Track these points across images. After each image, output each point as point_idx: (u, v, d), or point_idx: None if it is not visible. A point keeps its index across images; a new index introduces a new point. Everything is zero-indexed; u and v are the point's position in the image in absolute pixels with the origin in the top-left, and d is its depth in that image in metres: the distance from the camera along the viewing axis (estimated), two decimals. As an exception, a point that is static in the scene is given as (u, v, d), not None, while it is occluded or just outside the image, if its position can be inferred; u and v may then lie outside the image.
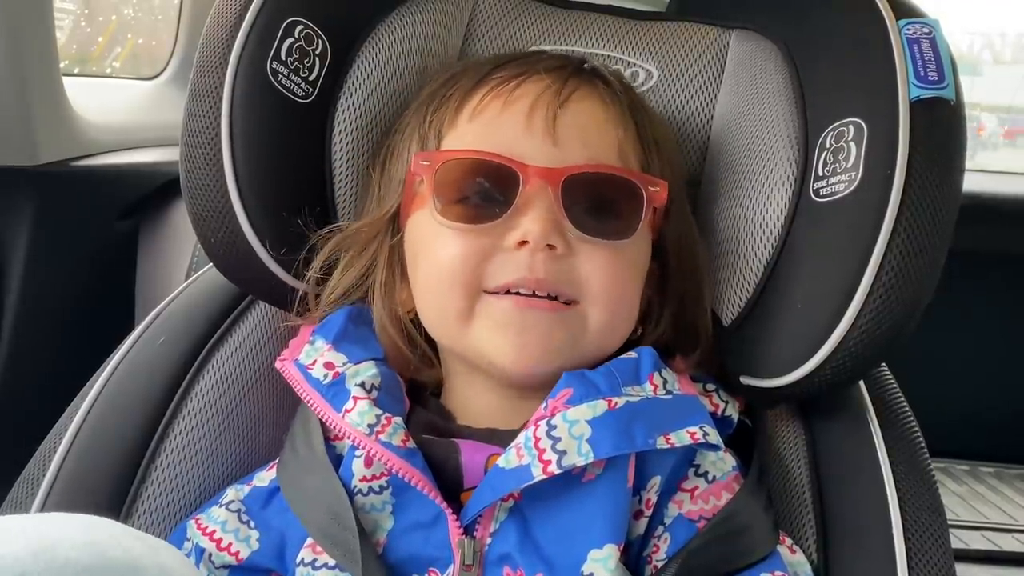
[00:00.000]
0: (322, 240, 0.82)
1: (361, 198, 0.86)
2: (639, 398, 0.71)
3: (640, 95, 0.88)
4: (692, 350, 0.83)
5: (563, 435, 0.68)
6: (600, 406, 0.69)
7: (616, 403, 0.70)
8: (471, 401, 0.80)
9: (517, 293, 0.74)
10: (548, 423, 0.69)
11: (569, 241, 0.74)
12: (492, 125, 0.77)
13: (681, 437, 0.70)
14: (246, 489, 0.79)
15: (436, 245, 0.76)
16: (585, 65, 0.84)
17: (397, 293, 0.82)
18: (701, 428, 0.70)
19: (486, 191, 0.75)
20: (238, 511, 0.77)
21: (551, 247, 0.73)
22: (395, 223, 0.82)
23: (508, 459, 0.69)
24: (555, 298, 0.74)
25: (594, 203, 0.76)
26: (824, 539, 0.77)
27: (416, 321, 0.82)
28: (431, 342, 0.83)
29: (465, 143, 0.78)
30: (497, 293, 0.74)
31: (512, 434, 0.72)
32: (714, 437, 0.71)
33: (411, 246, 0.81)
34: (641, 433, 0.69)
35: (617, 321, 0.77)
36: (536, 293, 0.74)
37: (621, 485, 0.69)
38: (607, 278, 0.75)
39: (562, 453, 0.67)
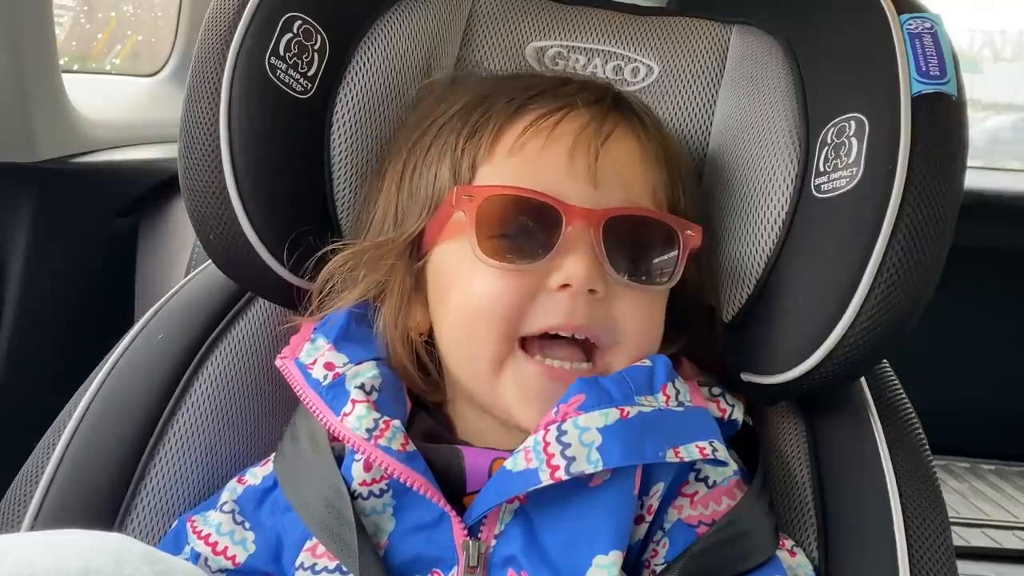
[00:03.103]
0: (330, 253, 0.81)
1: (362, 201, 0.85)
2: (651, 408, 0.71)
3: (667, 130, 0.87)
4: (700, 355, 0.83)
5: (573, 441, 0.68)
6: (612, 415, 0.69)
7: (628, 412, 0.70)
8: (475, 424, 0.79)
9: (556, 336, 0.74)
10: (559, 428, 0.69)
11: (608, 285, 0.74)
12: (533, 163, 0.76)
13: (691, 451, 0.70)
14: (239, 488, 0.79)
15: (474, 281, 0.75)
16: (619, 94, 0.83)
17: (412, 315, 0.80)
18: (711, 443, 0.71)
19: (528, 229, 0.74)
20: (232, 512, 0.77)
21: (592, 291, 0.73)
22: (415, 245, 0.80)
23: (516, 462, 0.69)
24: (589, 341, 0.74)
25: (632, 246, 0.76)
26: (825, 537, 0.77)
27: (427, 343, 0.80)
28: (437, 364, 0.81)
29: (504, 178, 0.76)
30: (531, 352, 0.74)
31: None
32: (722, 453, 0.71)
33: (439, 275, 0.79)
34: (652, 445, 0.68)
35: (642, 356, 0.77)
36: (575, 336, 0.74)
37: (628, 492, 0.69)
38: (641, 322, 0.76)
39: (571, 459, 0.67)
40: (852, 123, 0.78)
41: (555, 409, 0.71)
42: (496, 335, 0.74)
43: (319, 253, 0.81)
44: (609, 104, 0.81)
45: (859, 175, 0.76)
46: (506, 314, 0.74)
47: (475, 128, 0.79)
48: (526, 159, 0.76)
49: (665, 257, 0.77)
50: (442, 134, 0.80)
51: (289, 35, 0.83)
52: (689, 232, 0.78)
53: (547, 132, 0.77)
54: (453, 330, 0.77)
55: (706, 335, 0.84)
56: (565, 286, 0.73)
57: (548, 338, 0.74)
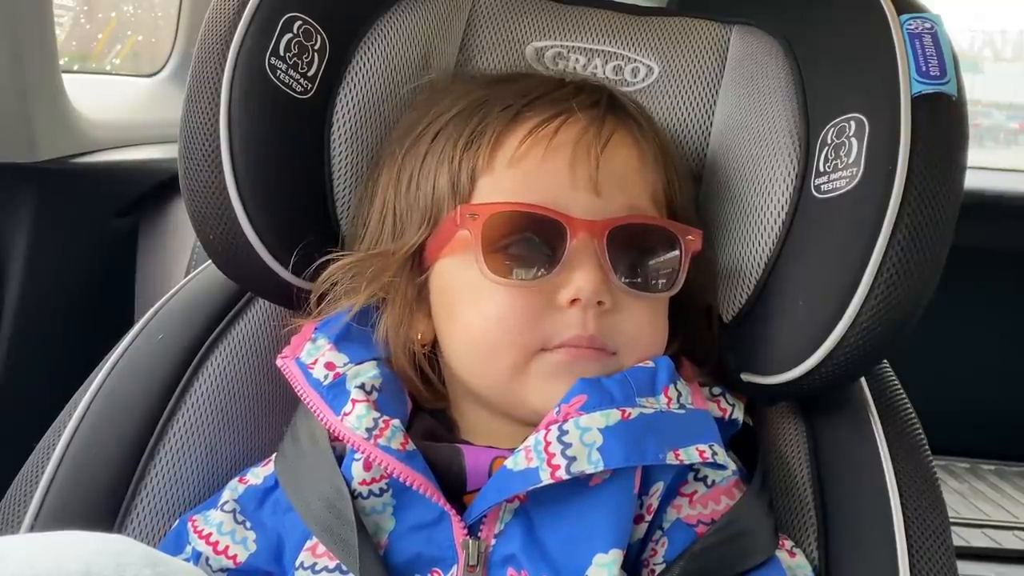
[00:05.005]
0: (330, 261, 0.81)
1: (357, 203, 0.85)
2: (652, 410, 0.71)
3: (660, 128, 0.87)
4: (701, 355, 0.83)
5: (574, 441, 0.68)
6: (614, 415, 0.69)
7: (630, 414, 0.70)
8: (476, 425, 0.79)
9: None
10: (560, 428, 0.69)
11: (614, 294, 0.74)
12: (534, 174, 0.76)
13: (690, 454, 0.70)
14: (240, 488, 0.78)
15: (483, 299, 0.75)
16: (613, 95, 0.83)
17: (414, 326, 0.80)
18: (710, 447, 0.71)
19: (533, 244, 0.75)
20: (233, 511, 0.77)
21: (600, 303, 0.73)
22: (416, 257, 0.80)
23: (516, 461, 0.69)
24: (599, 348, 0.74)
25: (636, 254, 0.76)
26: (825, 537, 0.77)
27: (429, 354, 0.80)
28: (437, 368, 0.81)
29: (505, 190, 0.76)
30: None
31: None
32: (722, 457, 0.71)
33: (444, 291, 0.79)
34: (652, 447, 0.69)
35: (647, 358, 0.77)
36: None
37: (628, 492, 0.69)
38: (645, 329, 0.76)
39: (572, 459, 0.67)
40: (852, 123, 0.78)
41: (556, 409, 0.71)
42: (516, 350, 0.74)
43: (321, 260, 0.81)
44: (605, 107, 0.80)
45: (859, 175, 0.76)
46: (521, 332, 0.74)
47: (472, 137, 0.78)
48: (527, 170, 0.76)
49: (667, 263, 0.78)
50: (438, 142, 0.80)
51: (289, 35, 0.83)
52: (690, 237, 0.78)
53: (546, 141, 0.76)
54: (467, 347, 0.77)
55: (705, 334, 0.84)
56: (575, 300, 0.73)
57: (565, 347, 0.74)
